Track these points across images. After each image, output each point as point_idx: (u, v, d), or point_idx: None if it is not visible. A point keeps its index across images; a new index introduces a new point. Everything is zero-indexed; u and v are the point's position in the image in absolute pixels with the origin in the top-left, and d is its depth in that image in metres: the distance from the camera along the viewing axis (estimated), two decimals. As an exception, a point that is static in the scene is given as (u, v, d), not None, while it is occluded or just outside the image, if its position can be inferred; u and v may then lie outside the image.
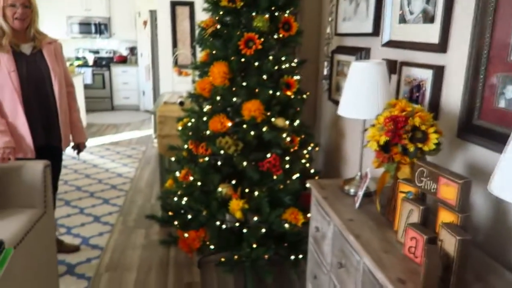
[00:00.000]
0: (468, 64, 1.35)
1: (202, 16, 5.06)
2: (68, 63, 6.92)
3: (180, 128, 2.39)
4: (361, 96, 1.56)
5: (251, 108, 2.03)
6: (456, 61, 1.43)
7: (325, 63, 2.71)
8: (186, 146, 2.31)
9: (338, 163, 2.58)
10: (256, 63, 2.08)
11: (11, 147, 2.08)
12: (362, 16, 2.12)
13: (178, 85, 4.85)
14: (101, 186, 3.87)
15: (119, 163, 4.62)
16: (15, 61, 2.08)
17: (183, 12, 5.04)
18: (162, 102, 3.25)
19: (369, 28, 2.03)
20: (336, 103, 2.51)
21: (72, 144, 2.47)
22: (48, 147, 2.26)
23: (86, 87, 6.98)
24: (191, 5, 5.04)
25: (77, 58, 7.85)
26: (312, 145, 2.32)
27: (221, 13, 2.13)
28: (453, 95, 1.46)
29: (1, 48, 2.03)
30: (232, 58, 2.10)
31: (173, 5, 5.00)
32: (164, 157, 2.96)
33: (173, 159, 2.40)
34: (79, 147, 2.52)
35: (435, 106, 1.55)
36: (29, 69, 2.14)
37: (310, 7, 2.77)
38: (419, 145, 1.29)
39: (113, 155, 4.92)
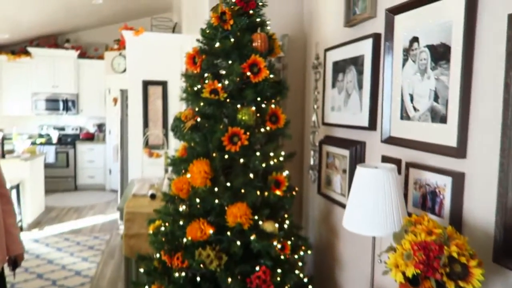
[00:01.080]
0: (500, 177, 1.15)
1: (174, 96, 4.92)
2: (30, 141, 6.51)
3: (151, 231, 2.04)
4: (371, 208, 1.32)
5: (237, 213, 1.74)
6: (480, 170, 1.24)
7: (312, 152, 2.51)
8: (158, 255, 1.95)
9: (332, 266, 2.27)
10: (242, 160, 1.84)
11: None
12: (354, 108, 1.96)
13: (149, 167, 4.52)
14: (54, 290, 3.33)
15: (79, 257, 4.08)
16: None
17: (155, 92, 4.89)
18: (130, 195, 2.90)
19: (364, 122, 1.86)
20: (327, 198, 2.27)
21: (6, 257, 1.95)
22: None
23: (48, 166, 6.51)
24: (164, 85, 4.90)
25: (40, 136, 7.45)
26: (304, 248, 2.02)
27: (201, 104, 1.92)
28: (479, 208, 1.24)
29: None
30: (214, 154, 1.85)
31: (146, 85, 4.85)
32: (131, 262, 2.55)
33: (141, 270, 2.02)
34: (16, 261, 1.97)
35: (457, 219, 1.32)
36: None
37: (293, 94, 2.63)
38: (461, 284, 1.03)
39: (72, 247, 4.37)
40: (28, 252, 4.13)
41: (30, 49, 7.09)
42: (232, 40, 1.89)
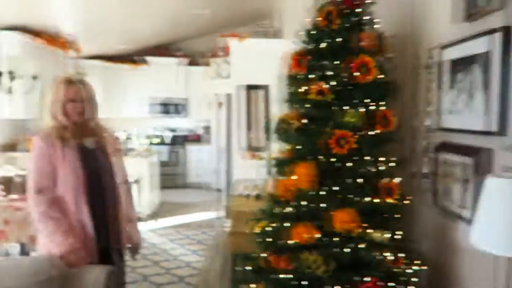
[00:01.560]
0: None
1: (275, 99, 5.01)
2: (147, 141, 7.27)
3: (256, 231, 2.10)
4: (509, 225, 1.16)
5: (344, 219, 1.69)
6: None
7: (424, 159, 2.33)
8: (263, 255, 2.00)
9: (447, 286, 2.07)
10: (349, 164, 1.79)
11: (76, 249, 1.93)
12: (478, 111, 1.76)
13: (251, 169, 4.67)
14: (168, 277, 3.63)
15: (189, 249, 4.41)
16: (79, 156, 2.01)
17: (257, 96, 5.05)
18: (236, 194, 3.04)
19: (491, 126, 1.66)
20: (443, 209, 2.08)
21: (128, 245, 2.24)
22: (110, 249, 2.09)
23: (162, 164, 7.11)
24: (266, 89, 5.03)
25: (156, 136, 8.21)
26: (417, 263, 1.88)
27: (306, 106, 1.91)
28: None
29: (66, 142, 1.98)
30: (320, 157, 1.83)
31: (249, 89, 5.04)
32: (236, 258, 2.66)
33: (247, 268, 2.09)
34: (136, 247, 2.26)
35: None
36: (92, 164, 2.05)
37: (402, 96, 2.47)
38: None
39: (183, 240, 4.74)
40: (146, 241, 4.58)
41: (147, 58, 7.87)
42: (339, 39, 1.86)
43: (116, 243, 2.12)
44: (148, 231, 5.03)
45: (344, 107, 1.83)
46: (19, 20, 4.92)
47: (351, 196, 1.75)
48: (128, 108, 7.93)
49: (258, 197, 2.82)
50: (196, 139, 8.21)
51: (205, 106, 8.02)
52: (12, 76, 3.49)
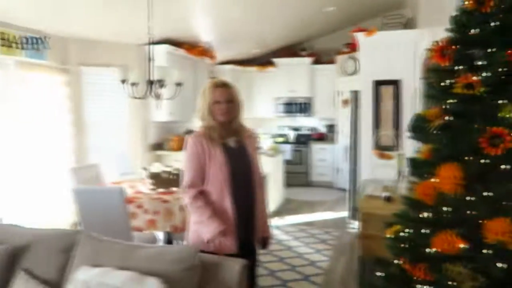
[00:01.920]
0: None
1: (408, 95, 4.65)
2: (271, 140, 7.51)
3: (389, 236, 1.97)
4: None
5: (499, 229, 1.47)
6: None
7: None
8: (397, 262, 1.86)
9: None
10: (504, 167, 1.54)
11: (220, 232, 2.08)
12: None
13: (379, 169, 4.45)
14: (293, 275, 3.69)
15: (313, 248, 4.41)
16: (224, 153, 2.15)
17: (387, 92, 4.77)
18: (364, 195, 2.91)
19: None
20: None
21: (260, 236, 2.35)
22: (246, 243, 2.21)
23: (286, 162, 7.28)
24: (396, 84, 4.72)
25: (280, 135, 8.45)
26: None
27: (451, 101, 1.71)
28: None
29: (213, 142, 2.14)
30: (467, 158, 1.62)
31: (377, 85, 4.79)
32: (366, 262, 2.55)
33: (379, 273, 1.97)
34: (266, 241, 2.38)
35: None
36: (236, 163, 2.17)
37: None
38: None
39: (307, 238, 4.76)
40: (272, 237, 4.73)
41: (274, 60, 8.13)
42: (493, 24, 1.61)
43: (254, 235, 2.25)
44: (274, 227, 5.19)
45: (499, 101, 1.59)
46: (166, 33, 5.58)
47: (507, 203, 1.51)
48: (256, 108, 8.32)
49: (389, 199, 2.65)
50: (320, 137, 8.18)
51: (329, 105, 7.94)
52: (161, 84, 3.96)
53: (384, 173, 4.20)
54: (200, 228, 2.12)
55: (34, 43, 4.53)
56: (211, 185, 2.14)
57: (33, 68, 4.49)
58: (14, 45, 4.29)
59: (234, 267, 1.90)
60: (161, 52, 5.68)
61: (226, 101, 2.16)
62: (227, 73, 8.03)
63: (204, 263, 1.89)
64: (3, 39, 4.13)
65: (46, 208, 4.63)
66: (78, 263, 1.85)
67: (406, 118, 4.64)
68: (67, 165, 4.73)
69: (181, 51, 6.09)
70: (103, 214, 2.99)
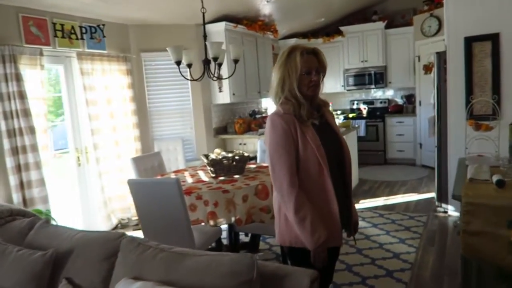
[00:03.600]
0: None
1: (508, 50, 3.81)
2: (342, 116, 6.93)
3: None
4: None
5: None
6: None
7: None
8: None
9: None
10: None
11: (323, 243, 1.69)
12: None
13: (475, 143, 3.72)
14: (374, 270, 3.22)
15: (395, 237, 3.87)
16: (316, 133, 1.75)
17: (482, 49, 3.95)
18: (465, 179, 2.32)
19: None
20: None
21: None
22: (348, 227, 1.93)
23: (359, 139, 6.65)
24: (494, 38, 3.88)
25: (352, 110, 7.80)
26: None
27: None
28: None
29: (303, 122, 1.73)
30: None
31: (468, 42, 4.00)
32: (470, 262, 2.02)
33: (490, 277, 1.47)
34: (355, 226, 2.00)
35: None
36: (329, 142, 1.79)
37: None
38: None
39: (388, 225, 4.22)
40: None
41: (342, 28, 7.43)
42: None
43: (352, 221, 1.94)
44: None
45: None
46: (223, 10, 5.24)
47: None
48: (333, 82, 7.70)
49: (500, 184, 2.05)
50: (397, 110, 7.37)
51: (406, 72, 7.09)
52: (218, 63, 3.64)
53: (480, 148, 3.50)
54: (301, 233, 1.72)
55: (93, 33, 4.47)
56: (305, 173, 1.73)
57: (93, 59, 4.42)
58: (73, 36, 4.25)
59: (303, 280, 1.52)
60: (218, 30, 5.39)
61: (317, 71, 1.76)
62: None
63: (265, 275, 1.54)
64: (60, 30, 4.10)
65: (114, 199, 4.65)
66: (120, 274, 1.60)
67: (509, 79, 3.82)
68: (132, 154, 4.69)
69: (240, 28, 5.72)
70: (160, 207, 2.78)
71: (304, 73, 1.72)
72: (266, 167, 3.55)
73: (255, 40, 6.17)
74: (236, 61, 3.69)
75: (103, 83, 4.54)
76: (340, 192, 1.80)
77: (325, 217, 1.73)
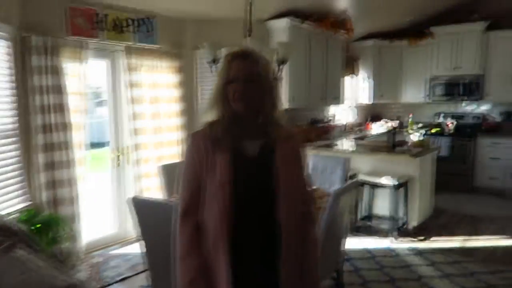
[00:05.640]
0: None
1: None
2: (422, 131, 5.94)
3: None
4: None
5: None
6: None
7: None
8: None
9: None
10: None
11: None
12: None
13: None
14: None
15: (470, 299, 3.02)
16: (233, 164, 1.33)
17: None
18: None
19: None
20: None
21: None
22: None
23: (440, 159, 5.58)
24: None
25: (435, 125, 6.69)
26: None
27: None
28: None
29: (219, 144, 1.34)
30: None
31: None
32: None
33: None
34: None
35: None
36: (250, 180, 1.36)
37: None
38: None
39: (464, 279, 3.32)
40: (405, 268, 3.50)
41: (432, 28, 6.38)
42: None
43: None
44: (412, 252, 3.89)
45: None
46: (288, 4, 4.71)
47: None
48: (404, 92, 6.81)
49: None
50: (493, 128, 6.16)
51: (508, 84, 5.87)
52: (281, 62, 3.12)
53: None
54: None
55: (143, 25, 4.22)
56: (208, 215, 1.35)
57: (143, 53, 4.18)
58: (124, 29, 4.05)
59: None
60: (281, 27, 4.87)
61: (245, 79, 1.34)
62: (367, 50, 6.72)
63: None
64: (109, 22, 3.90)
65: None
66: None
67: None
68: (175, 158, 4.38)
69: (307, 25, 5.13)
70: (165, 233, 2.36)
71: (228, 81, 1.36)
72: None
73: (323, 40, 5.52)
74: (282, 63, 3.14)
75: (151, 80, 4.29)
76: (256, 252, 1.34)
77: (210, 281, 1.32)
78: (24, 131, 3.35)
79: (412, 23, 6.49)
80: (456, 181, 6.11)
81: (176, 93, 4.55)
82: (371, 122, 6.99)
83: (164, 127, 4.46)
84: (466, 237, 4.27)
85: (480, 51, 6.03)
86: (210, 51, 3.01)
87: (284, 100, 4.95)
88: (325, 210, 2.48)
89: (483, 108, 6.47)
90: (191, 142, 1.43)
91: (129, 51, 4.07)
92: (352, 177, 4.16)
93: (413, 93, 6.69)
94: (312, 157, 3.95)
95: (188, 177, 1.40)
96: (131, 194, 4.20)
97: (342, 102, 6.27)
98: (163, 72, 4.41)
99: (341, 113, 6.77)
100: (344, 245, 2.93)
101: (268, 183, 1.35)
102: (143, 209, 2.45)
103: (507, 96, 5.93)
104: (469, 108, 6.60)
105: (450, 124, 6.48)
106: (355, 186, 3.40)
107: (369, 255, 3.80)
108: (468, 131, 6.26)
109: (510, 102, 5.99)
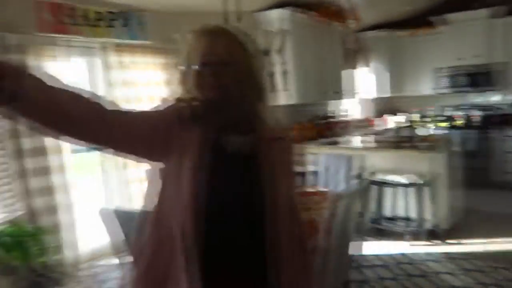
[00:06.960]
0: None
1: None
2: (431, 126, 5.53)
3: None
4: None
5: None
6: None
7: None
8: None
9: None
10: None
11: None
12: None
13: None
14: None
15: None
16: (206, 164, 1.01)
17: None
18: None
19: None
20: None
21: None
22: None
23: (466, 155, 4.99)
24: None
25: (445, 119, 6.26)
26: None
27: None
28: None
29: (189, 134, 1.03)
30: None
31: None
32: None
33: None
34: None
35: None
36: (226, 184, 1.04)
37: None
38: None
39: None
40: (428, 277, 3.13)
41: (446, 16, 5.93)
42: None
43: None
44: (437, 257, 3.50)
45: None
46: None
47: None
48: (420, 83, 6.38)
49: None
50: (508, 121, 5.76)
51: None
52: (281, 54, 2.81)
53: None
54: None
55: (124, 19, 3.87)
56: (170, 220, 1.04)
57: (125, 50, 3.84)
58: (101, 23, 3.69)
59: None
60: (282, 17, 4.54)
61: (215, 64, 1.02)
62: (380, 41, 6.38)
63: None
64: (83, 16, 3.54)
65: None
66: None
67: None
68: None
69: (307, 15, 4.80)
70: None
71: (199, 63, 1.03)
72: (313, 193, 2.73)
73: (326, 31, 5.21)
74: (279, 52, 2.80)
75: (135, 78, 3.94)
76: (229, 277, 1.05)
77: None
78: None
79: (425, 10, 6.03)
80: (472, 176, 5.53)
81: (165, 91, 4.21)
82: (386, 116, 6.60)
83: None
84: (487, 239, 3.84)
85: (503, 38, 5.57)
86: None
87: (288, 94, 4.64)
88: (331, 216, 2.14)
89: (495, 98, 6.05)
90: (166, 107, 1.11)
91: (109, 47, 3.75)
92: (359, 176, 3.79)
93: (431, 84, 6.27)
94: (322, 156, 3.66)
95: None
96: (119, 202, 3.90)
97: (353, 96, 6.00)
98: (147, 69, 4.08)
99: (354, 108, 6.43)
100: (353, 252, 2.58)
101: (251, 189, 1.03)
102: (127, 222, 2.10)
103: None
104: (479, 99, 6.18)
105: (474, 116, 6.05)
106: (364, 187, 3.05)
107: (392, 261, 3.47)
108: (483, 124, 5.86)
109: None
